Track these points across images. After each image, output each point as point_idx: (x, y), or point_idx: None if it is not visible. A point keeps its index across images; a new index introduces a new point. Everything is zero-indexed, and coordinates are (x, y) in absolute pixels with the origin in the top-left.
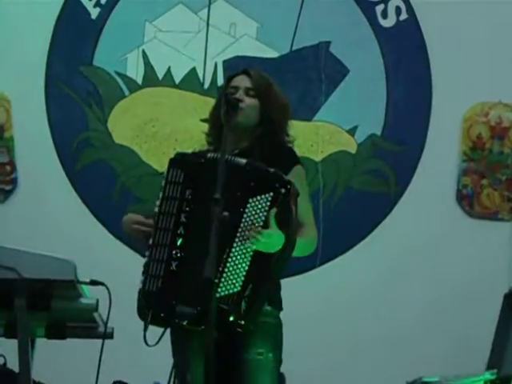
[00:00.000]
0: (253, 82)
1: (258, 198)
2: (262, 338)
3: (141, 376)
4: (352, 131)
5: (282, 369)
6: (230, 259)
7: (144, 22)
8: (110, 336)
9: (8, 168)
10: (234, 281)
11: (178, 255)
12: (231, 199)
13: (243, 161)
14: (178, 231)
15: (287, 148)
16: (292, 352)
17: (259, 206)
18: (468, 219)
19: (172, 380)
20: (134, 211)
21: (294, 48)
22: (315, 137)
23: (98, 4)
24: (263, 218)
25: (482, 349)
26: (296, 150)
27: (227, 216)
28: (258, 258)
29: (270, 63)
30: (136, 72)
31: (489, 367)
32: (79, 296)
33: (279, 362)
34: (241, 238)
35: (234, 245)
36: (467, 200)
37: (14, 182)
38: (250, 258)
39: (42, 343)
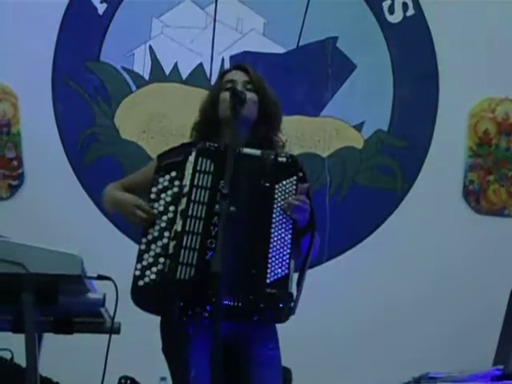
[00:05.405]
0: (250, 76)
1: (284, 182)
2: (271, 333)
3: (147, 371)
4: (359, 127)
5: (289, 364)
6: (271, 245)
7: (151, 18)
8: (117, 331)
9: (15, 163)
10: (280, 264)
11: (213, 246)
12: (256, 187)
13: (258, 151)
14: (213, 221)
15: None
16: (298, 346)
17: (287, 191)
18: (474, 215)
19: None
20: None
21: (301, 44)
22: (322, 132)
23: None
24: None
25: (488, 345)
26: (298, 147)
27: (234, 211)
28: (296, 240)
29: (277, 59)
30: (143, 67)
31: (495, 363)
32: (86, 291)
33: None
34: (277, 224)
35: (272, 231)
36: (474, 196)
37: (20, 177)
38: (290, 242)
39: (48, 338)
